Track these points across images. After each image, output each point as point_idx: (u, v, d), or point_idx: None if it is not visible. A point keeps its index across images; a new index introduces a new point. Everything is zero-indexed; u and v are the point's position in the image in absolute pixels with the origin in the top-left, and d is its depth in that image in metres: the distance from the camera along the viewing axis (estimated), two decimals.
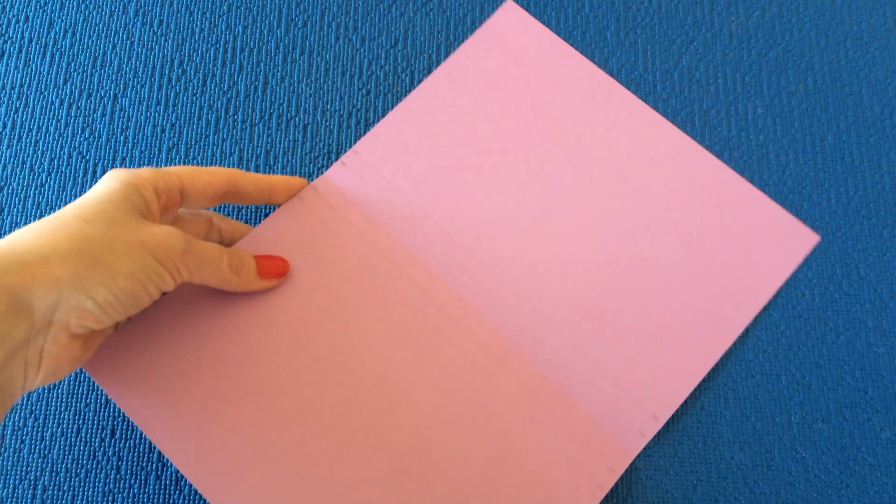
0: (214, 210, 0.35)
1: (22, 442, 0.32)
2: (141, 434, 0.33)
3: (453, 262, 0.33)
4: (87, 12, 0.39)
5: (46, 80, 0.38)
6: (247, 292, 0.31)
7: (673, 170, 0.35)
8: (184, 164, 0.36)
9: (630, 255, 0.33)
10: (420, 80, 0.38)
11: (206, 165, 0.36)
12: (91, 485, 0.32)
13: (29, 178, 0.36)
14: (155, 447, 0.32)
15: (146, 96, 0.37)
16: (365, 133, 0.37)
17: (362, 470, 0.29)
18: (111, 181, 0.26)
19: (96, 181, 0.36)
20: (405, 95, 0.37)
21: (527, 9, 0.39)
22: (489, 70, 0.36)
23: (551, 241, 0.34)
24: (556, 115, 0.36)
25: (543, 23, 0.39)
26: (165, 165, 0.36)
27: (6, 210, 0.35)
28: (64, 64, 0.38)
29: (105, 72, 0.38)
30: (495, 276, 0.33)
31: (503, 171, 0.35)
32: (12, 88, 0.37)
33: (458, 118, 0.36)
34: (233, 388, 0.30)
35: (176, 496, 0.32)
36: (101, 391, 0.33)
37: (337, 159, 0.36)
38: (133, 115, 0.37)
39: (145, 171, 0.27)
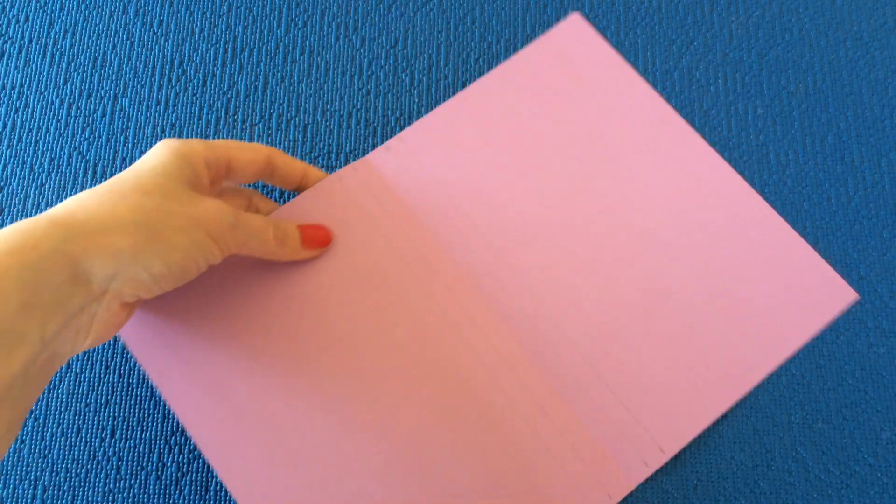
0: (252, 187, 0.35)
1: (22, 442, 0.32)
2: (141, 434, 0.33)
3: (481, 262, 0.33)
4: (87, 12, 0.39)
5: (46, 80, 0.38)
6: (291, 261, 0.31)
7: (717, 206, 0.34)
8: None
9: (661, 284, 0.33)
10: (420, 80, 0.38)
11: None
12: (91, 485, 0.32)
13: (29, 178, 0.36)
14: (155, 448, 0.32)
15: (146, 96, 0.37)
16: (365, 133, 0.37)
17: (364, 457, 0.30)
18: (165, 152, 0.27)
19: (96, 181, 0.36)
20: (405, 95, 0.37)
21: (526, 9, 0.39)
22: (544, 79, 0.36)
23: (583, 259, 0.33)
24: (606, 136, 0.35)
25: (543, 23, 0.39)
26: None
27: (6, 210, 0.35)
28: (64, 64, 0.38)
29: (105, 72, 0.38)
30: (521, 283, 0.33)
31: (545, 180, 0.35)
32: (12, 88, 0.37)
33: (507, 121, 0.35)
34: (255, 356, 0.31)
35: (176, 496, 0.32)
36: (102, 391, 0.33)
37: (337, 159, 0.36)
38: (133, 115, 0.37)
39: (197, 144, 0.28)
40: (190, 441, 0.32)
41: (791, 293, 0.33)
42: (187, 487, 0.32)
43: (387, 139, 0.37)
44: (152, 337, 0.31)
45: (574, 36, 0.37)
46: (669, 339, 0.32)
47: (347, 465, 0.30)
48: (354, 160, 0.36)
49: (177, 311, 0.31)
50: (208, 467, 0.32)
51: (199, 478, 0.32)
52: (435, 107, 0.37)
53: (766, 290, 0.33)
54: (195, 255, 0.26)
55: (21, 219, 0.35)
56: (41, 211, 0.35)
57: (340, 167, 0.36)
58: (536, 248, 0.34)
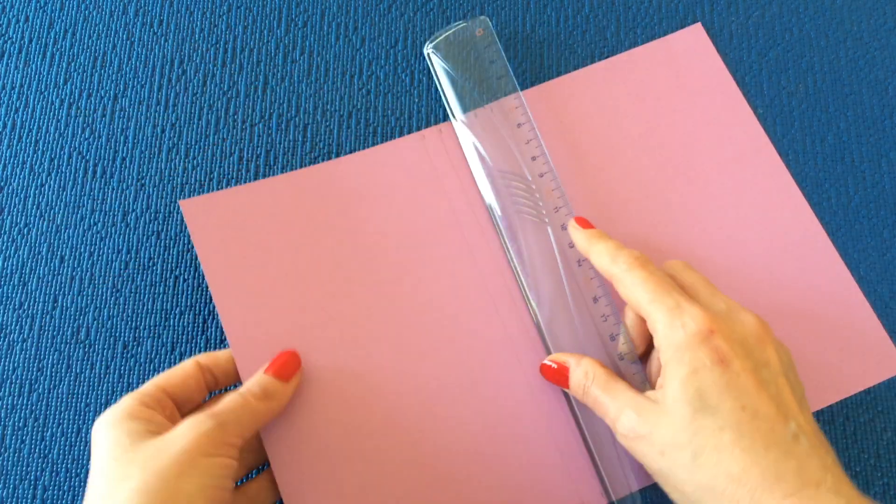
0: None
1: (22, 442, 0.32)
2: None
3: (539, 243, 0.33)
4: (87, 12, 0.39)
5: (46, 80, 0.38)
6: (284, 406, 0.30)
7: (787, 244, 0.34)
8: (183, 164, 0.36)
9: None
10: (420, 80, 0.38)
11: (207, 167, 0.36)
12: None
13: (29, 178, 0.36)
14: None
15: (146, 96, 0.37)
16: (365, 133, 0.37)
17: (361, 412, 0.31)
18: (106, 437, 0.26)
19: (96, 181, 0.36)
20: (405, 95, 0.37)
21: (526, 9, 0.39)
22: (650, 79, 0.37)
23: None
24: (694, 150, 0.35)
25: (543, 23, 0.39)
26: (165, 166, 0.36)
27: (6, 210, 0.35)
28: (64, 64, 0.38)
29: (105, 72, 0.38)
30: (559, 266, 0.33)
31: (617, 181, 0.35)
32: (12, 88, 0.37)
33: (602, 112, 0.36)
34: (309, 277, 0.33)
35: None
36: (102, 391, 0.33)
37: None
38: (133, 115, 0.37)
39: (124, 400, 0.27)
40: None
41: (843, 349, 0.32)
42: None
43: (387, 139, 0.37)
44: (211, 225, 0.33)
45: (691, 45, 0.38)
46: None
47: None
48: None
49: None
50: None
51: None
52: (434, 107, 0.37)
53: (817, 338, 0.32)
54: (212, 486, 0.25)
55: (21, 219, 0.35)
56: (41, 211, 0.35)
57: None
58: (624, 224, 0.35)
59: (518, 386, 0.32)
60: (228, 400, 0.27)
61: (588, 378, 0.28)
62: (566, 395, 0.31)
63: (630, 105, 0.36)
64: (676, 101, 0.36)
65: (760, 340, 0.26)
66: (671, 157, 0.35)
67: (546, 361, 0.31)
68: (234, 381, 0.31)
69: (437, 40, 0.37)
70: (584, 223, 0.32)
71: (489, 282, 0.33)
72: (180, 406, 0.29)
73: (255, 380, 0.29)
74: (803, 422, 0.25)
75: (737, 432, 0.24)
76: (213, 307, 0.34)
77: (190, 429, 0.25)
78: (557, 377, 0.30)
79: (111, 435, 0.25)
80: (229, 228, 0.33)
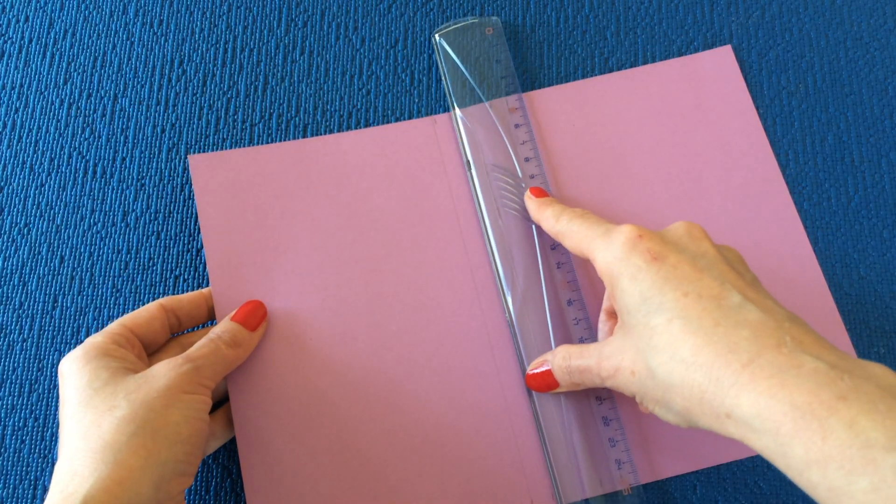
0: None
1: (22, 442, 0.32)
2: None
3: (521, 240, 0.34)
4: (87, 12, 0.39)
5: (46, 80, 0.38)
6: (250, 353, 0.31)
7: (784, 277, 0.34)
8: (183, 164, 0.36)
9: None
10: (420, 80, 0.38)
11: None
12: None
13: (29, 178, 0.36)
14: None
15: (146, 96, 0.37)
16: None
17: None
18: (83, 369, 0.27)
19: (96, 181, 0.36)
20: (405, 95, 0.37)
21: (526, 9, 0.39)
22: (669, 94, 0.37)
23: None
24: (702, 171, 0.35)
25: (543, 23, 0.39)
26: (165, 166, 0.36)
27: (6, 210, 0.35)
28: (64, 64, 0.38)
29: (105, 72, 0.38)
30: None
31: (625, 183, 0.35)
32: (12, 88, 0.37)
33: (618, 119, 0.36)
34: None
35: None
36: None
37: None
38: (133, 115, 0.37)
39: (94, 338, 0.28)
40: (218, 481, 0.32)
41: None
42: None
43: None
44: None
45: (717, 67, 0.37)
46: None
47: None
48: None
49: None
50: (208, 467, 0.32)
51: (199, 478, 0.32)
52: (435, 107, 0.37)
53: None
54: (194, 417, 0.26)
55: (21, 219, 0.35)
56: (41, 211, 0.35)
57: None
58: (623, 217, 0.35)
59: (489, 378, 0.32)
60: (202, 345, 0.29)
61: (567, 358, 0.29)
62: (530, 395, 0.32)
63: (645, 118, 0.36)
64: (693, 121, 0.36)
65: (694, 238, 0.26)
66: (678, 174, 0.35)
67: (529, 372, 0.31)
68: (196, 324, 0.32)
69: (447, 30, 0.37)
70: (540, 193, 0.33)
71: (476, 273, 0.34)
72: (145, 347, 0.30)
73: (224, 328, 0.30)
74: (753, 295, 0.24)
75: (684, 318, 0.23)
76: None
77: (170, 369, 0.27)
78: (544, 379, 0.30)
79: (88, 369, 0.26)
80: (231, 186, 0.34)
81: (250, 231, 0.34)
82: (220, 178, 0.34)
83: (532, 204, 0.33)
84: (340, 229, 0.34)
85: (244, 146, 0.37)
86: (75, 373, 0.27)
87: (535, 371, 0.31)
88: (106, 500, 0.23)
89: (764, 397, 0.20)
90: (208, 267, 0.33)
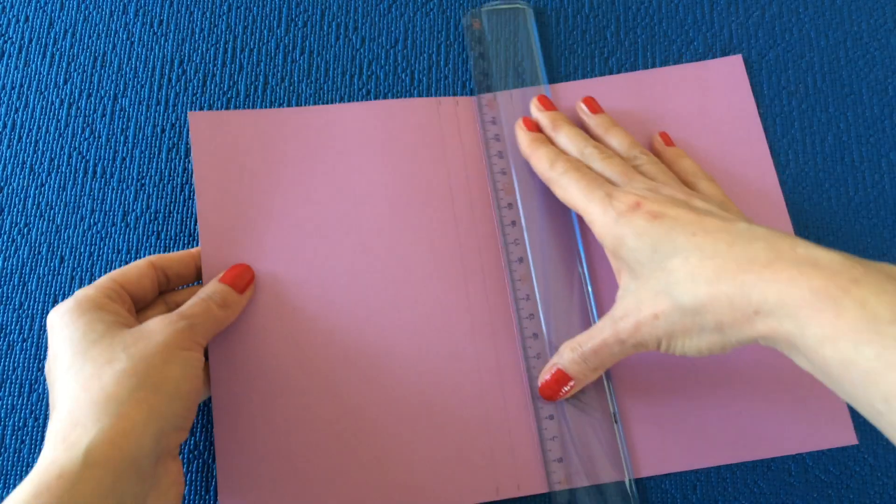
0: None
1: (22, 442, 0.32)
2: None
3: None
4: (87, 12, 0.39)
5: (46, 80, 0.38)
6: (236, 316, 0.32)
7: None
8: (183, 164, 0.36)
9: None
10: (420, 81, 0.38)
11: None
12: None
13: (29, 178, 0.36)
14: None
15: (146, 96, 0.37)
16: None
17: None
18: (77, 325, 0.26)
19: (96, 181, 0.36)
20: (405, 95, 0.37)
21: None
22: (674, 99, 0.37)
23: None
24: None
25: (543, 23, 0.39)
26: (165, 166, 0.36)
27: (6, 210, 0.35)
28: (64, 64, 0.38)
29: (105, 72, 0.38)
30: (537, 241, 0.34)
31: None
32: (12, 88, 0.37)
33: (621, 120, 0.36)
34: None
35: None
36: None
37: None
38: (133, 115, 0.37)
39: (85, 290, 0.28)
40: (189, 441, 0.32)
41: (803, 412, 0.32)
42: (187, 487, 0.32)
43: None
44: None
45: (726, 75, 0.38)
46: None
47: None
48: None
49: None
50: (208, 467, 0.32)
51: (199, 478, 0.32)
52: None
53: (782, 398, 0.32)
54: (192, 374, 0.27)
55: (21, 219, 0.35)
56: (41, 211, 0.35)
57: None
58: None
59: (468, 361, 0.32)
60: (194, 304, 0.29)
61: (575, 349, 0.29)
62: (530, 383, 0.32)
63: (648, 121, 0.36)
64: (696, 128, 0.36)
65: (688, 194, 0.28)
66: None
67: (541, 380, 0.31)
68: (184, 283, 0.33)
69: (485, 9, 0.37)
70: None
71: (466, 257, 0.34)
72: (135, 303, 0.30)
73: (215, 289, 0.30)
74: (754, 224, 0.26)
75: (699, 251, 0.25)
76: None
77: (166, 325, 0.27)
78: (558, 382, 0.30)
79: (82, 321, 0.26)
80: (229, 147, 0.34)
81: (244, 194, 0.34)
82: (218, 139, 0.34)
83: (524, 138, 0.33)
84: (334, 200, 0.34)
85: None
86: (68, 324, 0.26)
87: (548, 377, 0.31)
88: (109, 450, 0.23)
89: (785, 285, 0.22)
90: (199, 226, 0.33)
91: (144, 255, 0.35)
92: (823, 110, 0.38)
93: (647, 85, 0.37)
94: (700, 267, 0.24)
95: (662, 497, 0.32)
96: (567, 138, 0.33)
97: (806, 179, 0.36)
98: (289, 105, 0.37)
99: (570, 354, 0.29)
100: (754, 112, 0.37)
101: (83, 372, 0.25)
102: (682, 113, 0.37)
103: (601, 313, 0.32)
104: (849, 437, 0.32)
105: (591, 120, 0.35)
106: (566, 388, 0.30)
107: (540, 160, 0.32)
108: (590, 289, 0.33)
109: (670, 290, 0.25)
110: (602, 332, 0.28)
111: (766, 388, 0.32)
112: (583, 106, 0.35)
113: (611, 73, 0.38)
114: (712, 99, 0.37)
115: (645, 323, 0.26)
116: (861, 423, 0.33)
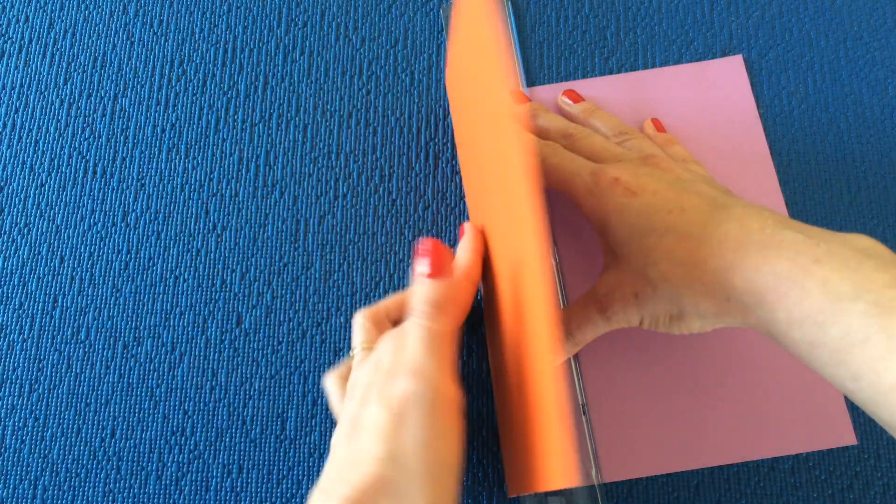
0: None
1: (22, 442, 0.32)
2: (141, 434, 0.33)
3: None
4: (87, 12, 0.39)
5: (46, 80, 0.38)
6: None
7: None
8: (183, 164, 0.36)
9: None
10: (420, 80, 0.38)
11: (207, 167, 0.36)
12: (91, 485, 0.32)
13: (29, 178, 0.36)
14: (155, 448, 0.32)
15: (146, 96, 0.37)
16: (365, 133, 0.37)
17: None
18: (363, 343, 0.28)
19: (96, 181, 0.36)
20: (405, 95, 0.37)
21: (526, 9, 0.39)
22: (676, 98, 0.37)
23: None
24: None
25: (543, 23, 0.39)
26: (165, 166, 0.36)
27: (6, 210, 0.35)
28: (64, 64, 0.38)
29: (105, 72, 0.38)
30: None
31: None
32: (12, 88, 0.37)
33: (623, 116, 0.36)
34: None
35: (176, 496, 0.32)
36: (102, 391, 0.33)
37: (337, 159, 0.36)
38: (133, 115, 0.37)
39: (363, 315, 0.29)
40: (189, 441, 0.32)
41: (803, 412, 0.32)
42: (187, 487, 0.32)
43: (387, 139, 0.37)
44: None
45: (727, 76, 0.38)
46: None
47: None
48: (354, 160, 0.36)
49: None
50: (208, 467, 0.32)
51: (199, 478, 0.32)
52: (434, 107, 0.37)
53: (785, 398, 0.32)
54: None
55: (21, 219, 0.35)
56: (41, 211, 0.35)
57: (340, 167, 0.36)
58: None
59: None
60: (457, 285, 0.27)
61: (562, 342, 0.29)
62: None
63: (655, 113, 0.37)
64: (697, 128, 0.36)
65: (667, 169, 0.29)
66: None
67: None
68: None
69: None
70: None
71: None
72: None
73: (459, 272, 0.28)
74: (731, 198, 0.26)
75: (674, 231, 0.25)
76: (213, 307, 0.34)
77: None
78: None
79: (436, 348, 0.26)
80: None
81: None
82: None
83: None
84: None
85: (244, 146, 0.37)
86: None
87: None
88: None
89: (750, 273, 0.22)
90: None
91: (144, 255, 0.35)
92: (823, 110, 0.38)
93: (648, 85, 0.37)
94: (675, 248, 0.25)
95: (663, 497, 0.32)
96: (547, 122, 0.34)
97: (806, 179, 0.36)
98: (289, 105, 0.37)
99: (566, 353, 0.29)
100: (754, 112, 0.37)
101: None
102: (683, 113, 0.37)
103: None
104: (849, 438, 0.32)
105: (574, 108, 0.36)
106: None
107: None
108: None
109: (647, 271, 0.25)
110: (585, 307, 0.28)
111: (766, 389, 0.32)
112: (565, 98, 0.36)
113: (611, 73, 0.38)
114: (712, 99, 0.37)
115: (626, 300, 0.26)
116: (861, 424, 0.32)
